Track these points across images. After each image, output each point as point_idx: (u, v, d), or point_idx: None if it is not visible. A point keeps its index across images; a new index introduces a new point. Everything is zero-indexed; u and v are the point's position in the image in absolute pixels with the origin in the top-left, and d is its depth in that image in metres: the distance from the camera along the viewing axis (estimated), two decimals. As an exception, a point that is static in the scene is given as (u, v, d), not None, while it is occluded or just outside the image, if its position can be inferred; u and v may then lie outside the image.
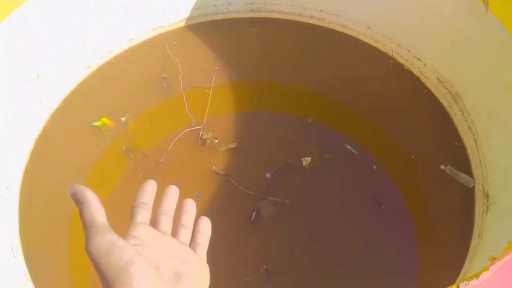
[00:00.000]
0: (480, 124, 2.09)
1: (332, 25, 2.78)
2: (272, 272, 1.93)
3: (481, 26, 1.97)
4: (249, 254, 2.00)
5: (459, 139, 2.26)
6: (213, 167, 2.26)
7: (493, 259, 1.00)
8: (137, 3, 2.60)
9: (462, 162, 2.20)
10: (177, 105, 2.51)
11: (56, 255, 2.09)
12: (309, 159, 2.24)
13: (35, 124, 2.39)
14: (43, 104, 2.42)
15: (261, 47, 2.80)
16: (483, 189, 1.98)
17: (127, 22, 2.66)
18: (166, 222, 0.58)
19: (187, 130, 2.40)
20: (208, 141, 2.35)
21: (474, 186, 2.08)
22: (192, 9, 2.80)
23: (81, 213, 0.49)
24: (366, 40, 2.71)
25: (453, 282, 1.67)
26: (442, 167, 2.19)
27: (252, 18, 2.91)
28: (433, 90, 2.44)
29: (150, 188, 0.60)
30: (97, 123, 2.45)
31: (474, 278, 0.88)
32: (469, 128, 2.17)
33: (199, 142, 2.35)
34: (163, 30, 2.83)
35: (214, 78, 2.61)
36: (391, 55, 2.61)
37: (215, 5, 2.82)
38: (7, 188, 2.14)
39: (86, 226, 0.48)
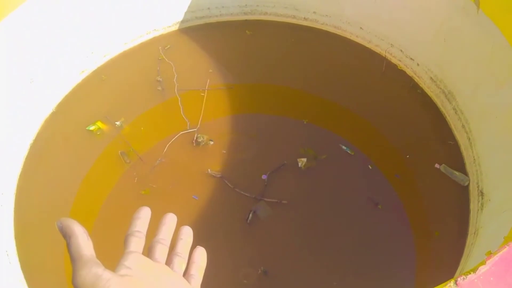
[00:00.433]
0: (474, 122, 2.11)
1: (325, 26, 2.80)
2: (270, 273, 1.93)
3: (472, 25, 1.99)
4: (247, 255, 2.00)
5: (453, 138, 2.28)
6: (209, 170, 2.26)
7: (490, 254, 1.01)
8: (131, 7, 2.60)
9: (456, 160, 2.21)
10: (172, 108, 2.51)
11: (51, 260, 2.08)
12: (305, 160, 2.24)
13: (30, 129, 2.38)
14: (37, 109, 2.42)
15: (255, 49, 2.81)
16: (478, 187, 1.99)
17: (120, 26, 2.66)
18: (160, 251, 0.58)
19: (182, 133, 2.40)
20: (203, 144, 2.35)
21: (468, 184, 2.10)
22: (185, 12, 2.81)
23: (68, 246, 0.48)
24: (359, 41, 2.72)
25: (450, 276, 1.69)
26: (437, 165, 2.20)
27: (246, 20, 2.92)
28: (426, 90, 2.46)
29: (143, 215, 0.59)
30: (91, 128, 2.45)
31: (472, 272, 0.89)
32: (463, 126, 2.19)
33: (194, 144, 2.35)
34: (157, 34, 2.83)
35: (208, 81, 2.62)
36: (384, 56, 2.63)
37: (209, 8, 2.83)
38: (2, 194, 2.13)
39: (72, 259, 0.48)
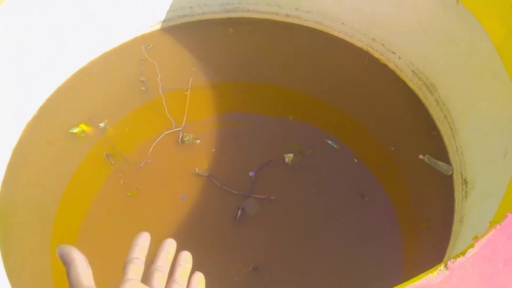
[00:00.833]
0: (456, 113, 2.15)
1: (308, 22, 2.82)
2: (261, 269, 1.94)
3: (452, 17, 2.02)
4: (237, 252, 2.00)
5: (436, 129, 2.31)
6: (196, 169, 2.25)
7: (477, 238, 1.03)
8: (111, 7, 2.58)
9: (440, 150, 2.25)
10: (157, 108, 2.50)
11: (38, 266, 2.05)
12: (291, 155, 2.25)
13: (12, 135, 2.34)
14: (19, 114, 2.38)
15: (238, 47, 2.81)
16: (461, 176, 2.03)
17: (101, 27, 2.63)
18: (158, 279, 0.58)
19: (166, 132, 2.39)
20: (189, 142, 2.34)
21: (452, 173, 2.14)
22: (167, 11, 2.79)
23: (68, 274, 0.49)
24: (342, 36, 2.75)
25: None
26: (421, 156, 2.23)
27: (229, 18, 2.92)
28: (409, 82, 2.50)
29: (142, 241, 0.59)
30: (75, 130, 2.42)
31: (461, 255, 0.91)
32: (445, 117, 2.22)
33: (180, 143, 2.34)
34: (138, 34, 2.81)
35: (192, 80, 2.61)
36: (366, 50, 2.66)
37: (191, 7, 2.82)
38: (-15, 200, 2.10)
39: (71, 287, 0.48)
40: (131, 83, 2.61)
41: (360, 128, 2.43)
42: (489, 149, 1.79)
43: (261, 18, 2.90)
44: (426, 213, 2.11)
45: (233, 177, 2.23)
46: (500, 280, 0.90)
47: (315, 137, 2.37)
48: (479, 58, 1.91)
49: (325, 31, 2.80)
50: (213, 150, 2.33)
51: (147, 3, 2.70)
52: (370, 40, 2.61)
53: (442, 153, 2.23)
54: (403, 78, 2.52)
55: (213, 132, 2.40)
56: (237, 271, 1.93)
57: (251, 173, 2.23)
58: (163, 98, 2.51)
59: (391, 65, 2.57)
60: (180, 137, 2.36)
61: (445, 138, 2.23)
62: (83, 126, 2.43)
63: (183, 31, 2.87)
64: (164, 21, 2.84)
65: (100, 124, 2.43)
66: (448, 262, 0.91)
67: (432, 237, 2.05)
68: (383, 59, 2.60)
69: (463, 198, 1.94)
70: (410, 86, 2.48)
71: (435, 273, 0.91)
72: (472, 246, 0.93)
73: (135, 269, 0.55)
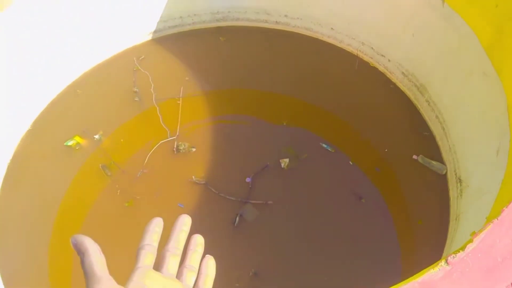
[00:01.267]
0: (447, 112, 2.18)
1: (297, 29, 2.85)
2: (261, 275, 1.94)
3: (439, 19, 2.07)
4: (237, 259, 2.00)
5: (428, 129, 2.35)
6: (193, 177, 2.26)
7: (474, 233, 1.05)
8: (101, 20, 2.59)
9: (433, 150, 2.28)
10: (151, 118, 2.50)
11: (36, 279, 2.03)
12: (287, 160, 2.27)
13: (6, 149, 2.33)
14: (13, 128, 2.37)
15: (229, 55, 2.84)
16: (455, 174, 2.06)
17: (92, 39, 2.64)
18: (171, 262, 0.58)
19: (161, 142, 2.40)
20: (184, 151, 2.35)
21: (446, 173, 2.17)
22: (158, 22, 2.81)
23: (82, 263, 0.50)
24: (331, 41, 2.78)
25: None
26: (415, 157, 2.26)
27: (219, 27, 2.94)
28: (399, 84, 2.53)
29: (153, 227, 0.59)
30: (70, 143, 2.42)
31: (461, 251, 0.93)
32: (436, 117, 2.26)
33: (175, 152, 2.35)
34: (130, 45, 2.82)
35: (185, 89, 2.62)
36: (356, 54, 2.69)
37: (181, 17, 2.84)
38: (-19, 216, 2.08)
39: (86, 275, 0.49)
40: (124, 94, 2.62)
41: (354, 131, 2.45)
42: (481, 147, 1.83)
43: (251, 26, 2.93)
44: (422, 212, 2.14)
45: (230, 183, 2.24)
46: (499, 274, 0.92)
47: (310, 141, 2.39)
48: (467, 58, 1.95)
49: (314, 36, 2.83)
50: (209, 157, 2.34)
51: (138, 15, 2.71)
52: (360, 44, 2.65)
53: (435, 153, 2.26)
54: (393, 80, 2.56)
55: (208, 139, 2.41)
56: (238, 277, 1.93)
57: (247, 179, 2.24)
58: (157, 108, 2.52)
59: (381, 68, 2.61)
60: (175, 146, 2.36)
61: (438, 138, 2.27)
62: (77, 139, 2.43)
63: (174, 41, 2.89)
64: (155, 31, 2.85)
65: (94, 136, 2.43)
66: (449, 258, 0.93)
67: (429, 236, 2.07)
68: (373, 62, 2.64)
69: (458, 196, 1.97)
70: (401, 88, 2.52)
71: (436, 268, 0.93)
72: (471, 241, 0.95)
73: (147, 256, 0.55)
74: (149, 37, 2.86)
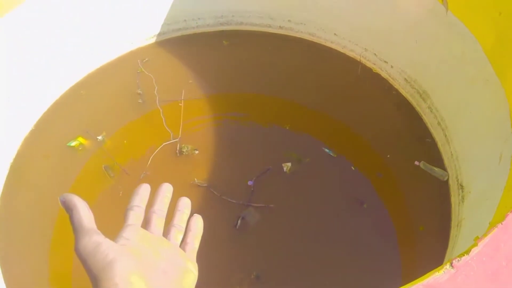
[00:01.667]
0: (449, 119, 2.19)
1: (301, 34, 2.87)
2: (263, 278, 1.95)
3: (442, 26, 2.08)
4: (239, 261, 2.01)
5: (430, 135, 2.36)
6: (195, 180, 2.27)
7: (478, 238, 1.06)
8: (106, 21, 2.61)
9: (435, 156, 2.29)
10: (154, 120, 2.51)
11: (37, 280, 2.04)
12: (289, 164, 2.28)
13: (9, 149, 2.34)
14: (16, 128, 2.38)
15: (233, 59, 2.85)
16: (457, 181, 2.07)
17: (97, 41, 2.65)
18: (157, 222, 0.61)
19: (164, 144, 2.41)
20: (187, 153, 2.35)
21: (448, 179, 2.17)
22: (162, 25, 2.83)
23: (71, 218, 0.51)
24: (334, 46, 2.80)
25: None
26: (416, 163, 2.27)
27: (222, 31, 2.96)
28: (401, 91, 2.55)
29: (142, 191, 0.62)
30: (73, 143, 2.42)
31: (466, 254, 0.93)
32: (439, 124, 2.27)
33: (178, 155, 2.36)
34: (134, 47, 2.84)
35: (189, 92, 2.63)
36: (359, 60, 2.71)
37: (185, 20, 2.86)
38: (-16, 215, 2.08)
39: (75, 229, 0.51)
40: (127, 96, 2.63)
41: (356, 136, 2.47)
42: (483, 154, 1.84)
43: (255, 30, 2.95)
44: (423, 218, 2.15)
45: (232, 186, 2.25)
46: (504, 277, 0.92)
47: (312, 146, 2.40)
48: (470, 65, 1.96)
49: (318, 42, 2.85)
50: (212, 160, 2.35)
51: (142, 18, 2.73)
52: (362, 50, 2.66)
53: (437, 159, 2.27)
54: (396, 87, 2.57)
55: (211, 142, 2.42)
56: (239, 280, 1.93)
57: (249, 182, 2.24)
58: (160, 110, 2.53)
59: (383, 74, 2.63)
60: (178, 148, 2.37)
61: (440, 144, 2.28)
62: (80, 139, 2.44)
63: (178, 44, 2.91)
64: (159, 34, 2.87)
65: (98, 137, 2.44)
66: (454, 261, 0.93)
67: (430, 242, 2.07)
68: (375, 68, 2.66)
69: (459, 202, 1.98)
70: (403, 94, 2.53)
71: (441, 271, 0.94)
72: (476, 245, 0.96)
73: (135, 215, 0.57)
74: (153, 40, 2.87)
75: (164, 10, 2.77)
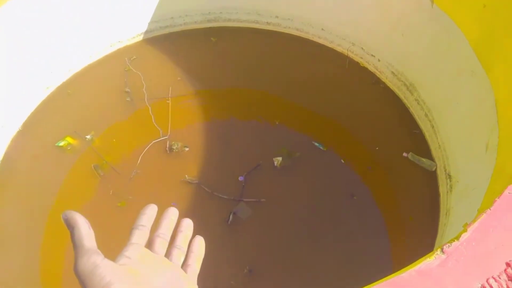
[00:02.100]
0: (436, 111, 2.23)
1: (288, 29, 2.88)
2: (256, 272, 1.96)
3: (428, 19, 2.11)
4: (231, 257, 2.01)
5: (417, 127, 2.39)
6: (186, 176, 2.26)
7: (467, 225, 1.08)
8: (92, 20, 2.58)
9: (423, 148, 2.32)
10: (143, 117, 2.50)
11: (27, 279, 2.02)
12: (280, 159, 2.29)
13: (-4, 150, 2.32)
14: (3, 129, 2.35)
15: (221, 55, 2.85)
16: (445, 171, 2.10)
17: (83, 40, 2.63)
18: (160, 244, 0.61)
19: (153, 141, 2.40)
20: (177, 150, 2.35)
21: (436, 169, 2.21)
22: (149, 23, 2.81)
23: (71, 236, 0.51)
24: (322, 41, 2.82)
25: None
26: (405, 154, 2.30)
27: (210, 28, 2.96)
28: (389, 84, 2.57)
29: (149, 211, 0.62)
30: (61, 143, 2.40)
31: (456, 240, 0.95)
32: (426, 115, 2.30)
33: (168, 152, 2.36)
34: (121, 45, 2.82)
35: (177, 89, 2.63)
36: (346, 54, 2.73)
37: (172, 18, 2.85)
38: (-28, 217, 2.06)
39: (75, 247, 0.51)
40: (115, 95, 2.61)
41: (345, 130, 2.49)
42: (470, 143, 1.87)
43: (242, 26, 2.95)
44: (412, 208, 2.18)
45: (223, 182, 2.25)
46: (493, 261, 0.94)
47: (302, 140, 2.41)
48: (456, 57, 1.99)
49: (305, 37, 2.86)
50: (202, 157, 2.35)
51: (129, 16, 2.71)
52: (350, 44, 2.68)
53: (425, 150, 2.30)
54: (383, 80, 2.60)
55: (201, 139, 2.42)
56: (233, 275, 1.94)
57: (240, 178, 2.25)
58: (149, 108, 2.53)
59: (371, 68, 2.65)
60: (168, 146, 2.37)
61: (427, 136, 2.31)
62: (69, 139, 2.42)
63: (165, 41, 2.90)
64: (147, 32, 2.86)
65: (86, 136, 2.42)
66: (444, 247, 0.95)
67: (420, 231, 2.10)
68: (363, 62, 2.68)
69: (448, 192, 2.01)
70: (391, 87, 2.56)
71: (433, 257, 0.96)
72: (465, 231, 0.98)
73: (140, 235, 0.58)
74: (141, 38, 2.86)
75: (151, 8, 2.76)
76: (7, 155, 2.35)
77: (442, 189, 2.09)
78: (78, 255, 0.49)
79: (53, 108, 2.57)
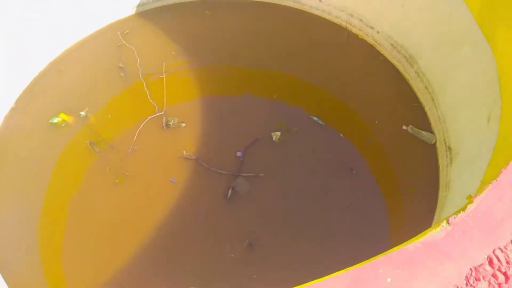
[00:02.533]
0: (436, 83, 2.19)
1: (285, 1, 2.81)
2: (256, 245, 1.96)
3: (429, -12, 2.06)
4: (231, 231, 2.01)
5: (417, 100, 2.36)
6: (183, 152, 2.24)
7: (470, 197, 1.07)
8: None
9: (422, 120, 2.30)
10: (138, 93, 2.45)
11: (26, 259, 2.01)
12: (278, 133, 2.26)
13: (-11, 127, 2.27)
14: (-5, 106, 2.30)
15: (216, 28, 2.78)
16: (445, 143, 2.08)
17: (75, 15, 2.55)
18: None
19: (149, 117, 2.36)
20: (174, 126, 2.32)
21: (435, 142, 2.19)
22: (142, -5, 2.74)
23: None
24: (320, 13, 2.75)
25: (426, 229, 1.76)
26: (404, 127, 2.28)
27: (204, 1, 2.88)
28: (388, 56, 2.53)
29: None
30: (55, 120, 2.36)
31: (462, 211, 0.94)
32: (426, 88, 2.27)
33: (165, 128, 2.32)
34: (113, 20, 2.74)
35: (172, 63, 2.57)
36: (345, 26, 2.67)
37: (165, -10, 2.77)
38: (-33, 196, 2.03)
39: None
40: (109, 70, 2.55)
41: (344, 104, 2.45)
42: (472, 115, 1.85)
43: (238, -2, 2.88)
44: (412, 182, 2.17)
45: (221, 158, 2.23)
46: (499, 232, 0.94)
47: (301, 115, 2.38)
48: (457, 28, 1.95)
49: (303, 9, 2.80)
50: (199, 132, 2.31)
51: (121, -13, 2.63)
52: (348, 16, 2.63)
53: (424, 123, 2.28)
54: (382, 52, 2.55)
55: (197, 114, 2.38)
56: (233, 248, 1.94)
57: (238, 153, 2.23)
58: (144, 83, 2.47)
59: (370, 40, 2.60)
60: (164, 122, 2.33)
61: (427, 108, 2.29)
62: (63, 116, 2.37)
63: (159, 14, 2.82)
64: (139, 5, 2.78)
65: (80, 113, 2.38)
66: (450, 218, 0.94)
67: (419, 204, 2.10)
68: (361, 34, 2.63)
69: (447, 164, 2.00)
70: (390, 60, 2.52)
71: (438, 229, 0.94)
72: (471, 202, 0.97)
73: None
74: (133, 11, 2.78)
75: (143, -21, 2.68)
76: (0, 133, 2.30)
77: (442, 161, 2.08)
78: None
79: (45, 85, 2.52)
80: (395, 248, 0.93)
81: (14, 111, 2.39)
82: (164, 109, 2.39)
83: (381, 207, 2.13)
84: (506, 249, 0.90)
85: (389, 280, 0.87)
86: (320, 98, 2.47)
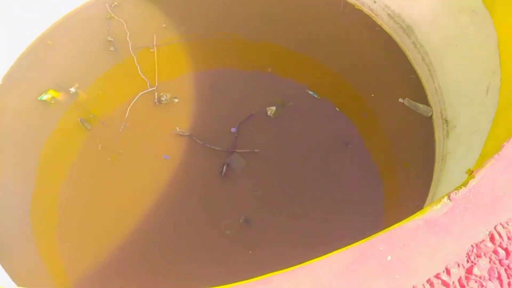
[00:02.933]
0: (433, 54, 2.15)
1: (278, -30, 2.71)
2: (251, 221, 1.95)
3: (428, -45, 1.99)
4: (226, 207, 1.99)
5: (414, 71, 2.32)
6: (177, 129, 2.20)
7: (470, 172, 1.04)
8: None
9: (419, 93, 2.27)
10: (128, 68, 2.39)
11: (20, 239, 1.99)
12: (274, 108, 2.22)
13: (-24, 105, 2.21)
14: (-19, 83, 2.24)
15: (208, 0, 2.69)
16: (442, 116, 2.06)
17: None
18: None
19: (141, 93, 2.30)
20: (166, 102, 2.27)
21: (432, 115, 2.16)
22: (129, -35, 2.63)
23: None
24: (314, -17, 2.67)
25: (421, 203, 1.76)
26: (401, 100, 2.25)
27: (195, -30, 2.78)
28: (385, 27, 2.47)
29: None
30: (44, 97, 2.30)
31: (463, 187, 0.92)
32: (423, 59, 2.23)
33: (157, 104, 2.27)
34: (101, -9, 2.65)
35: (163, 36, 2.49)
36: (340, -4, 2.60)
37: (154, -41, 2.66)
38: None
39: None
40: (98, 44, 2.48)
41: (340, 77, 2.41)
42: (470, 87, 1.81)
43: (229, -33, 2.77)
44: (408, 155, 2.15)
45: (215, 134, 2.19)
46: (502, 207, 0.92)
47: (296, 89, 2.33)
48: (456, -4, 1.89)
49: (296, -22, 2.70)
50: (192, 108, 2.27)
51: (108, -43, 2.53)
52: (343, -15, 2.55)
53: (421, 96, 2.25)
54: (379, 23, 2.49)
55: (190, 90, 2.33)
56: (228, 225, 1.93)
57: (232, 129, 2.19)
58: (135, 58, 2.41)
59: (366, 10, 2.53)
60: (156, 97, 2.28)
61: (424, 80, 2.25)
62: (52, 92, 2.31)
63: (148, -15, 2.72)
64: (127, -25, 2.67)
65: (70, 89, 2.32)
66: (452, 194, 0.92)
67: (414, 178, 2.09)
68: (358, 4, 2.56)
69: (444, 137, 1.98)
70: (386, 30, 2.46)
71: (439, 205, 0.92)
72: (473, 177, 0.94)
73: None
74: (121, -18, 2.67)
75: (130, -52, 2.57)
76: (-12, 111, 2.24)
77: (438, 134, 2.06)
78: None
79: (33, 61, 2.44)
80: (395, 225, 0.91)
81: (1, 88, 2.32)
82: (156, 84, 2.33)
83: (377, 181, 2.12)
84: (508, 224, 0.88)
85: (389, 258, 0.85)
86: (315, 72, 2.41)
